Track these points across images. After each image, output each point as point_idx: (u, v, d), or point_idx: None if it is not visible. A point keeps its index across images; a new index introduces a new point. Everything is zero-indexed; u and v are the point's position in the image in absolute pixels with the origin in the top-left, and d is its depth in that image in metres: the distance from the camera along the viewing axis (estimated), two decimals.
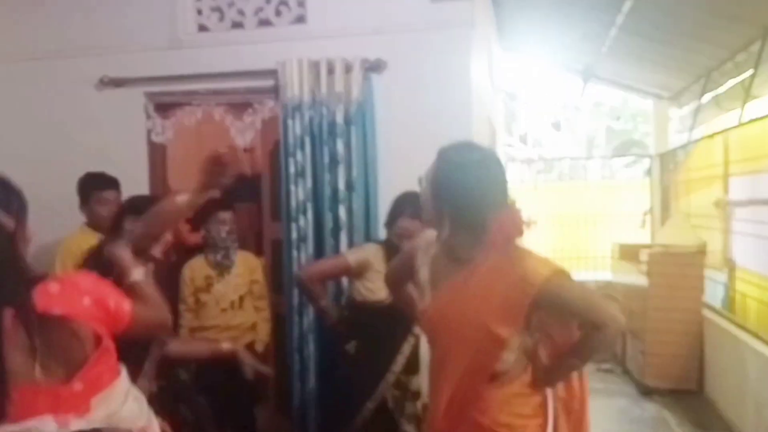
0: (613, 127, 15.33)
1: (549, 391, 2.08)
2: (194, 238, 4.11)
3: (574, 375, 2.12)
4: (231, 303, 3.74)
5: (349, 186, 3.67)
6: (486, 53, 5.08)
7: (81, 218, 3.47)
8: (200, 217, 3.81)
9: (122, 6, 4.03)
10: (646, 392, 5.32)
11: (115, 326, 1.64)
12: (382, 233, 3.63)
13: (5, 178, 1.66)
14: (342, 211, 3.65)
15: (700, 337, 5.30)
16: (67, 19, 4.09)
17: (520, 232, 2.05)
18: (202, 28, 4.03)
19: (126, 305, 1.70)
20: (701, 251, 5.46)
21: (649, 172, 7.97)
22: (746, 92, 5.27)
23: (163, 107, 3.99)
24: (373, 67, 3.72)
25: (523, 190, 8.43)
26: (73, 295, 1.57)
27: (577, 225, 7.97)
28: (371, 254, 3.18)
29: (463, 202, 1.99)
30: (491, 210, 1.98)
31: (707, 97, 6.33)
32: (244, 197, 4.89)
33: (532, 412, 2.05)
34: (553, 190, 8.30)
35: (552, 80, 14.34)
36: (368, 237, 3.67)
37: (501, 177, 2.08)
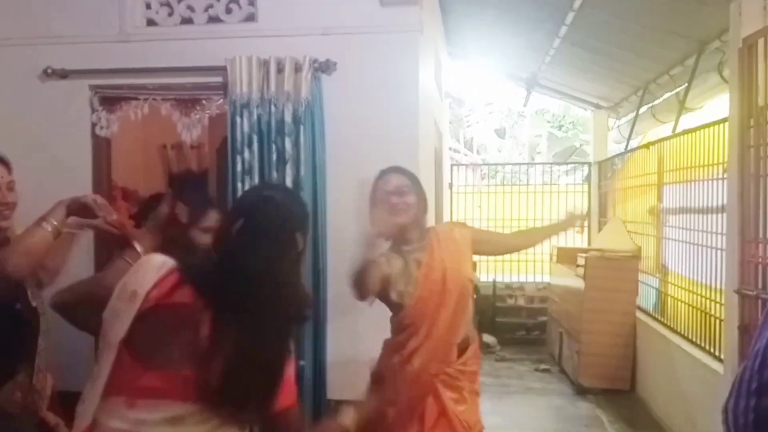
0: (555, 135, 15.69)
1: None
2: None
3: None
4: None
5: (297, 185, 3.68)
6: (433, 59, 5.17)
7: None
8: (143, 213, 3.77)
9: None
10: (581, 391, 5.48)
11: None
12: (329, 232, 3.68)
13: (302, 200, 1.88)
14: None
15: (633, 338, 5.50)
16: (12, 7, 3.98)
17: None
18: (151, 22, 3.99)
19: None
20: (636, 256, 5.66)
21: (587, 179, 8.22)
22: (681, 105, 5.50)
23: (109, 101, 3.92)
24: (323, 67, 3.74)
25: (467, 194, 8.57)
26: None
27: (519, 228, 8.15)
28: None
29: None
30: None
31: (644, 109, 6.57)
32: (191, 193, 4.86)
33: None
34: (496, 195, 8.44)
35: (497, 88, 14.60)
36: (315, 235, 3.69)
37: None
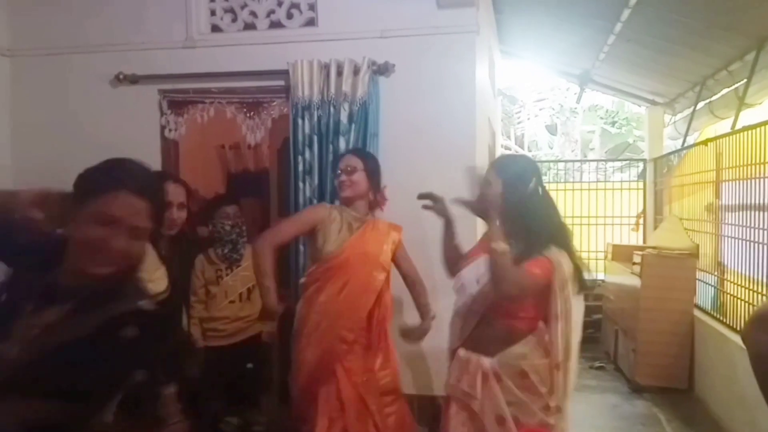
0: (608, 131, 15.46)
1: None
2: (202, 231, 4.22)
3: None
4: (239, 295, 3.85)
5: None
6: (488, 57, 5.21)
7: None
8: (207, 211, 3.93)
9: (138, 5, 4.14)
10: (637, 390, 5.45)
11: None
12: None
13: None
14: None
15: (690, 337, 5.44)
16: (84, 16, 4.19)
17: None
18: (216, 28, 4.15)
19: None
20: (693, 254, 5.59)
21: (642, 175, 8.11)
22: (740, 101, 5.41)
23: (177, 104, 4.11)
24: (381, 69, 3.84)
25: None
26: None
27: (572, 226, 8.11)
28: None
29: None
30: None
31: (701, 105, 6.47)
32: (250, 192, 5.01)
33: None
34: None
35: (548, 84, 14.48)
36: None
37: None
